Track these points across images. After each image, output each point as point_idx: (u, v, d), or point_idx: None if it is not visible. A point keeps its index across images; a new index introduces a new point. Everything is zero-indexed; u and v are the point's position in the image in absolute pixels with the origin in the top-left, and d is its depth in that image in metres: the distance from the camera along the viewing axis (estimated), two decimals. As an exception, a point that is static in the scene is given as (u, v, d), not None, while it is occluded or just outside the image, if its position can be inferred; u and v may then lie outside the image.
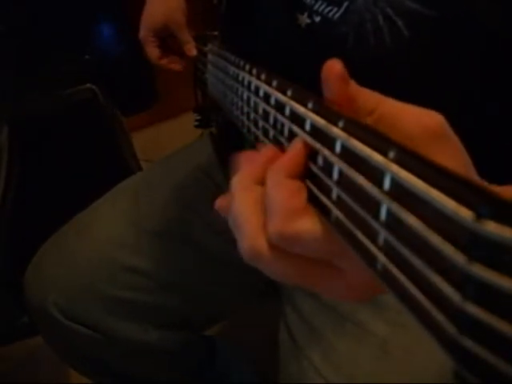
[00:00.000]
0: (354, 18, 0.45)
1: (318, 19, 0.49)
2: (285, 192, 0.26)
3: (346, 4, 0.46)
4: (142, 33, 0.77)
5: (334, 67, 0.27)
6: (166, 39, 0.78)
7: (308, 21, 0.49)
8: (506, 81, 0.41)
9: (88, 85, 1.21)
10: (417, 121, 0.25)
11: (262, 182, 0.29)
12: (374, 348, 0.57)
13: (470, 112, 0.41)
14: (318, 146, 0.26)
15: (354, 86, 0.28)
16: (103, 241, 0.75)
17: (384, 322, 0.57)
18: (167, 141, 1.78)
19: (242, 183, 0.30)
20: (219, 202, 0.32)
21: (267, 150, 0.31)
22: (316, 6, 0.48)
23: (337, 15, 0.47)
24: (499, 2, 0.40)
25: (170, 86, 1.40)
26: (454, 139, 0.26)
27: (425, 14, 0.42)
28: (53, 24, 1.35)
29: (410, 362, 0.55)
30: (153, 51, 0.77)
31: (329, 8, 0.47)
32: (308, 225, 0.25)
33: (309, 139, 0.27)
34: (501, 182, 0.25)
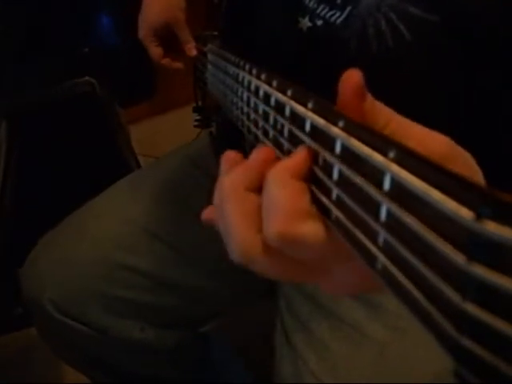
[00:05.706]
0: (356, 22, 0.45)
1: (319, 23, 0.48)
2: (290, 192, 0.26)
3: (348, 9, 0.46)
4: (143, 33, 0.77)
5: (351, 79, 0.26)
6: (166, 38, 0.78)
7: (309, 24, 0.49)
8: (509, 81, 0.41)
9: (86, 78, 1.20)
10: (422, 145, 0.24)
11: (254, 189, 0.29)
12: (372, 352, 0.56)
13: (473, 114, 0.41)
14: (317, 146, 0.26)
15: (369, 101, 0.27)
16: (100, 239, 0.75)
17: (382, 326, 0.56)
18: (164, 134, 1.78)
19: (234, 192, 0.29)
20: (206, 215, 0.32)
21: (260, 153, 0.30)
22: (318, 10, 0.48)
23: (339, 20, 0.47)
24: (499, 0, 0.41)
25: (169, 79, 1.40)
26: (462, 156, 0.26)
27: (427, 19, 0.42)
28: (51, 16, 1.35)
29: (408, 367, 0.55)
30: (155, 50, 0.77)
31: (331, 12, 0.47)
32: (313, 229, 0.25)
33: (308, 139, 0.27)
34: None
